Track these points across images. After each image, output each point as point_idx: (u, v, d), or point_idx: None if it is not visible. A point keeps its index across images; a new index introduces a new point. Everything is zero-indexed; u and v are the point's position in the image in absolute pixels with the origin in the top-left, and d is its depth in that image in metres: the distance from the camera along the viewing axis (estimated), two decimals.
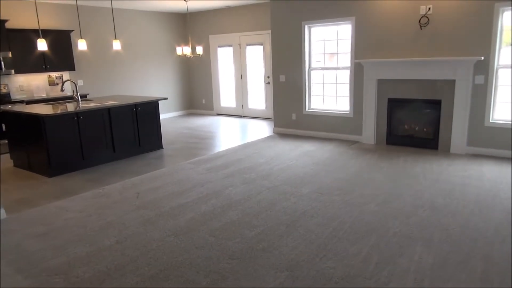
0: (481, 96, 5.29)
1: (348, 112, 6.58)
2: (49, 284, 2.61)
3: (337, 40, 6.61)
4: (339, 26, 6.49)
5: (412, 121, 5.98)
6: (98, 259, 2.92)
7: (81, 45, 6.03)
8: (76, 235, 3.35)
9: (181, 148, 6.49)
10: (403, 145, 6.07)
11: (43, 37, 5.97)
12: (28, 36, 6.80)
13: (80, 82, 7.99)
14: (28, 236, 3.36)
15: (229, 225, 3.43)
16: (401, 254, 2.84)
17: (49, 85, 7.53)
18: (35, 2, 5.83)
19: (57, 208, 3.99)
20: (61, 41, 7.36)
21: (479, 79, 5.26)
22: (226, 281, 2.57)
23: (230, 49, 9.50)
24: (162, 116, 9.79)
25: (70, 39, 7.49)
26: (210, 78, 10.09)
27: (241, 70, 9.42)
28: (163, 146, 6.58)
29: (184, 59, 10.25)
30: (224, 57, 9.72)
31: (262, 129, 7.93)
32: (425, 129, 5.88)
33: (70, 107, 5.53)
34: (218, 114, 10.15)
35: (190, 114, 10.54)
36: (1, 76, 6.78)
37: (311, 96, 7.05)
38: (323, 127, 6.91)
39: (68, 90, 7.82)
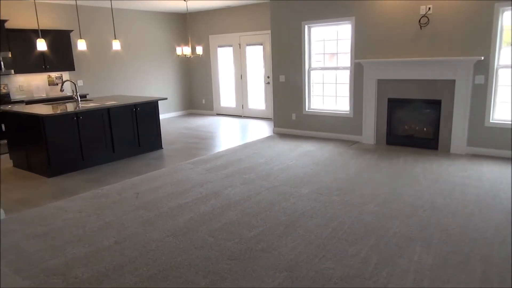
0: (481, 96, 5.28)
1: (348, 112, 6.57)
2: (48, 284, 2.61)
3: (337, 40, 6.61)
4: (339, 26, 6.49)
5: (412, 121, 5.97)
6: (97, 259, 2.91)
7: (81, 45, 6.02)
8: (75, 235, 3.34)
9: (180, 148, 6.48)
10: (403, 145, 6.07)
11: (43, 37, 5.97)
12: (28, 36, 6.80)
13: (80, 82, 7.99)
14: (27, 237, 3.35)
15: (228, 225, 3.43)
16: (401, 254, 2.83)
17: (49, 85, 7.53)
18: (34, 2, 5.82)
19: (56, 209, 3.98)
20: (61, 41, 7.35)
21: (479, 79, 5.25)
22: (225, 281, 2.56)
23: (230, 49, 9.50)
24: (162, 116, 9.79)
25: (69, 39, 7.49)
26: (210, 78, 10.08)
27: (241, 70, 9.42)
28: (162, 146, 6.57)
29: (184, 59, 10.24)
30: (224, 57, 9.71)
31: (262, 129, 7.93)
32: (425, 129, 5.87)
33: (70, 107, 5.53)
34: (218, 114, 10.15)
35: (190, 114, 10.53)
36: (1, 76, 6.78)
37: (311, 96, 7.05)
38: (323, 127, 6.90)
39: (68, 90, 7.82)
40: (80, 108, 5.32)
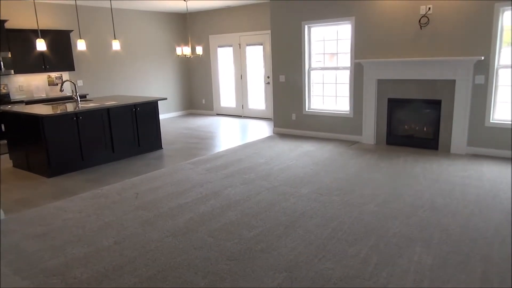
0: (481, 96, 5.28)
1: (348, 112, 6.57)
2: (47, 285, 2.60)
3: (337, 40, 6.60)
4: (339, 26, 6.48)
5: (412, 121, 5.96)
6: (96, 259, 2.91)
7: (80, 45, 6.02)
8: (74, 235, 3.34)
9: (180, 148, 6.48)
10: (403, 145, 6.06)
11: (43, 37, 5.97)
12: (27, 36, 6.80)
13: (79, 83, 7.99)
14: (26, 237, 3.35)
15: (228, 225, 3.42)
16: (401, 254, 2.82)
17: (49, 85, 7.53)
18: (34, 2, 5.81)
19: (56, 209, 3.98)
20: (61, 41, 7.35)
21: (479, 79, 5.24)
22: (224, 282, 2.56)
23: (230, 49, 9.49)
24: (162, 116, 9.78)
25: (69, 39, 7.49)
26: (210, 78, 10.08)
27: (241, 70, 9.41)
28: (162, 146, 6.57)
29: (184, 59, 10.24)
30: (224, 57, 9.71)
31: (262, 129, 7.92)
32: (425, 129, 5.87)
33: (70, 107, 5.53)
34: (218, 114, 10.14)
35: (190, 114, 10.53)
36: (1, 76, 6.78)
37: (311, 96, 7.04)
38: (323, 127, 6.89)
39: (67, 90, 7.81)
40: (80, 108, 5.31)
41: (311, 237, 3.15)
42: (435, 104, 5.64)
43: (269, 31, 8.06)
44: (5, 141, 6.23)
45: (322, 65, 6.89)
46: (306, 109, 7.05)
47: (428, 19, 5.44)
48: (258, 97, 9.30)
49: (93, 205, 4.03)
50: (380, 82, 6.06)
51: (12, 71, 6.70)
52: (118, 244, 3.14)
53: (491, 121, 5.28)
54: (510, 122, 5.14)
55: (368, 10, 5.96)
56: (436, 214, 3.51)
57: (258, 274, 2.63)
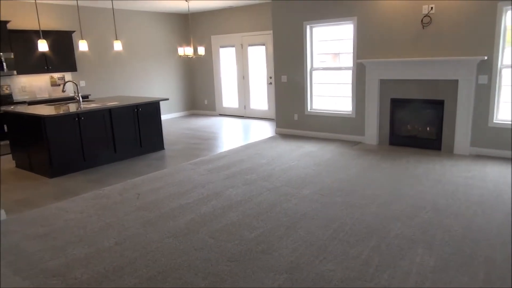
0: (485, 96, 5.24)
1: (350, 113, 6.54)
2: (47, 285, 2.60)
3: (339, 40, 6.58)
4: (341, 26, 6.46)
5: (415, 121, 5.93)
6: (97, 260, 2.90)
7: (82, 45, 6.03)
8: (75, 236, 3.34)
9: (182, 149, 6.48)
10: (406, 145, 6.03)
11: (45, 38, 5.98)
12: (30, 37, 6.82)
13: (82, 83, 8.00)
14: (27, 237, 3.35)
15: (229, 226, 3.41)
16: (402, 256, 2.80)
17: (51, 86, 7.55)
18: (35, 2, 5.83)
19: (58, 209, 3.98)
20: (63, 42, 7.37)
21: (483, 79, 5.20)
22: (224, 283, 2.55)
23: (232, 49, 9.49)
24: (164, 117, 9.79)
25: (71, 40, 7.50)
26: (212, 79, 10.08)
27: (243, 71, 9.40)
28: (164, 147, 6.57)
29: (186, 59, 10.24)
30: (226, 58, 9.70)
31: (264, 130, 7.91)
32: (428, 130, 5.83)
33: (72, 108, 5.53)
34: (221, 115, 10.14)
35: (193, 114, 10.53)
36: (4, 77, 6.80)
37: (313, 97, 7.02)
38: (325, 127, 6.87)
39: (70, 91, 7.83)
40: (82, 109, 5.32)
41: (312, 238, 3.13)
42: (438, 104, 5.61)
43: (271, 32, 8.04)
44: (8, 142, 6.24)
45: (324, 65, 6.87)
46: (308, 110, 7.03)
47: (431, 18, 5.41)
48: (260, 97, 9.29)
49: (95, 206, 4.03)
50: (383, 82, 6.03)
51: (15, 72, 6.72)
52: (119, 245, 3.13)
53: (494, 121, 5.24)
54: (510, 122, 5.11)
55: (370, 10, 5.94)
56: (438, 215, 3.49)
57: (258, 276, 2.62)
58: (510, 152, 5.18)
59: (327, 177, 4.68)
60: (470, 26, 5.16)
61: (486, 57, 5.09)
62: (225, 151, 6.17)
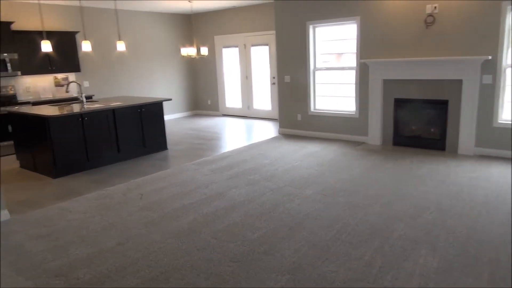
0: (489, 96, 5.20)
1: (353, 113, 6.52)
2: (50, 285, 2.60)
3: (342, 40, 6.56)
4: (344, 26, 6.44)
5: (418, 121, 5.90)
6: (100, 260, 2.91)
7: (85, 46, 6.05)
8: (78, 236, 3.35)
9: (186, 149, 6.48)
10: (410, 146, 5.99)
11: (49, 38, 6.00)
12: (33, 37, 6.85)
13: (86, 83, 8.03)
14: (30, 237, 3.36)
15: (231, 227, 3.41)
16: (406, 257, 2.78)
17: (55, 86, 7.58)
18: (39, 3, 5.85)
19: (61, 209, 4.00)
20: (66, 42, 7.40)
21: (487, 79, 5.17)
22: (226, 284, 2.54)
23: (236, 49, 9.48)
24: (167, 117, 9.80)
25: (75, 41, 7.53)
26: (216, 79, 10.08)
27: (247, 71, 9.40)
28: (168, 147, 6.57)
29: (189, 60, 10.25)
30: (229, 58, 9.70)
31: (267, 130, 7.90)
32: (432, 130, 5.80)
33: (75, 108, 5.55)
34: (224, 115, 10.14)
35: (196, 115, 10.54)
36: (8, 77, 6.83)
37: (316, 97, 7.00)
38: (329, 127, 6.85)
39: (74, 91, 7.86)
40: (85, 109, 5.34)
41: (315, 238, 3.12)
42: (442, 104, 5.57)
43: (274, 32, 8.02)
44: (12, 142, 6.27)
45: (327, 65, 6.85)
46: (312, 110, 7.01)
47: (434, 18, 5.38)
48: (263, 97, 9.28)
49: (98, 206, 4.04)
50: (386, 82, 6.01)
51: (19, 73, 6.76)
52: (122, 245, 3.14)
53: (499, 121, 5.20)
54: (510, 122, 5.07)
55: (373, 10, 5.91)
56: (442, 215, 3.46)
57: (260, 276, 2.61)
58: None
59: (330, 177, 4.67)
60: (474, 25, 5.12)
61: (490, 57, 5.05)
62: (228, 152, 6.17)
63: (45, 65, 7.13)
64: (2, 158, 6.31)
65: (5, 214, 3.82)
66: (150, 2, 7.74)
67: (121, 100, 6.43)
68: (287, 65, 7.13)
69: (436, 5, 5.33)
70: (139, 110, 5.98)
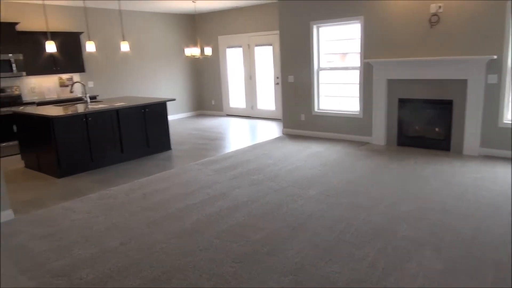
0: (494, 96, 5.16)
1: (357, 113, 6.49)
2: (53, 285, 2.61)
3: (346, 40, 6.53)
4: (348, 25, 6.41)
5: (423, 121, 5.86)
6: (103, 260, 2.91)
7: (90, 47, 6.07)
8: (82, 236, 3.36)
9: (189, 149, 6.49)
10: (414, 146, 5.96)
11: (53, 39, 6.03)
12: (38, 38, 6.89)
13: (90, 84, 8.06)
14: (34, 237, 3.38)
15: (234, 227, 3.40)
16: (409, 259, 2.76)
17: (60, 86, 7.61)
18: (43, 4, 5.88)
19: (65, 209, 4.01)
20: (71, 43, 7.43)
21: (492, 79, 5.12)
22: (228, 284, 2.53)
23: (239, 49, 9.48)
24: (171, 117, 9.80)
25: (79, 41, 7.56)
26: (219, 79, 10.08)
27: (250, 71, 9.39)
28: (171, 147, 6.58)
29: (192, 60, 10.26)
30: (233, 58, 9.70)
31: (271, 130, 7.89)
32: (436, 130, 5.76)
33: (80, 108, 5.57)
34: (228, 115, 10.14)
35: (200, 115, 10.55)
36: (13, 78, 6.87)
37: (320, 97, 6.98)
38: (332, 128, 6.83)
39: (78, 91, 7.89)
40: (90, 110, 5.35)
41: (318, 239, 3.10)
42: (447, 104, 5.53)
43: (278, 32, 8.01)
44: (17, 142, 6.31)
45: (331, 65, 6.83)
46: (315, 110, 6.99)
47: (439, 17, 5.34)
48: (267, 97, 9.27)
49: (102, 206, 4.05)
50: (390, 82, 5.97)
51: (24, 73, 6.79)
52: (124, 245, 3.14)
53: (504, 121, 5.16)
54: (510, 122, 5.03)
55: (377, 9, 5.88)
56: (447, 217, 3.44)
57: (263, 277, 2.60)
58: None
59: (334, 177, 4.65)
60: (478, 25, 5.08)
61: (495, 56, 5.01)
62: (232, 152, 6.16)
63: (50, 66, 7.17)
64: (7, 158, 6.34)
65: (9, 214, 3.84)
66: (154, 3, 7.76)
67: (125, 100, 6.45)
68: (291, 65, 7.12)
69: (441, 4, 5.29)
70: (143, 110, 5.99)
